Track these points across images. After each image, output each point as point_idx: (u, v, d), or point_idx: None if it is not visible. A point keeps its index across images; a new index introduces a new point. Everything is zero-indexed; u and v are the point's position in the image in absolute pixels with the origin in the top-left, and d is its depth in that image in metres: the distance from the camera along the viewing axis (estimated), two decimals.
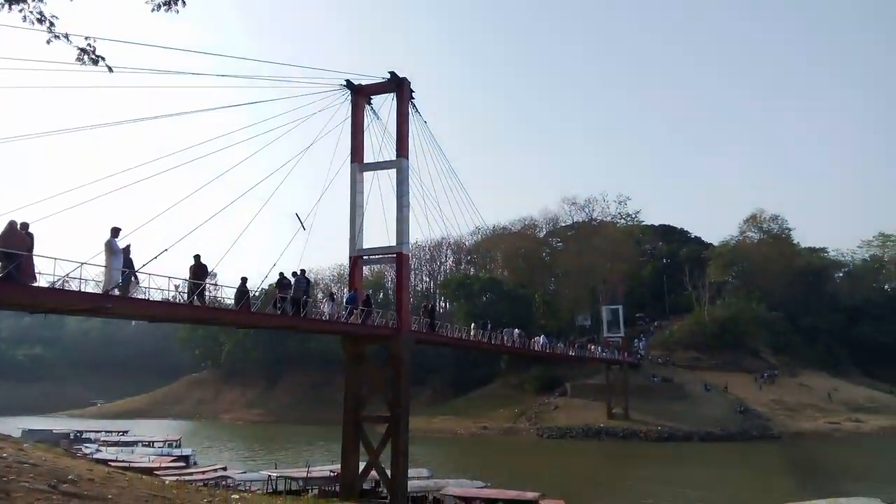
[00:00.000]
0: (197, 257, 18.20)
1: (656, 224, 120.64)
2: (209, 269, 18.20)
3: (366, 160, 27.40)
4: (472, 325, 44.07)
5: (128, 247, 15.15)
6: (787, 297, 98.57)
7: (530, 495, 26.41)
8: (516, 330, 48.67)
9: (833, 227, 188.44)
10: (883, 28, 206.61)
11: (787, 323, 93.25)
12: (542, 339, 56.74)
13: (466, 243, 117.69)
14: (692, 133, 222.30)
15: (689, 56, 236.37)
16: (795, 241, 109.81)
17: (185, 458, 40.56)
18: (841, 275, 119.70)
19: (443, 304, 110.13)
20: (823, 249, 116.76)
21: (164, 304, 16.08)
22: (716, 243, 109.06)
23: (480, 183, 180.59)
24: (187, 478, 27.99)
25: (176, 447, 46.74)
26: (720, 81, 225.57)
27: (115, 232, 15.22)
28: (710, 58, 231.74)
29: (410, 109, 27.41)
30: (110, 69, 10.36)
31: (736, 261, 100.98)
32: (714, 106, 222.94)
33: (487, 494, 27.73)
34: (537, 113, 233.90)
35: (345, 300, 25.40)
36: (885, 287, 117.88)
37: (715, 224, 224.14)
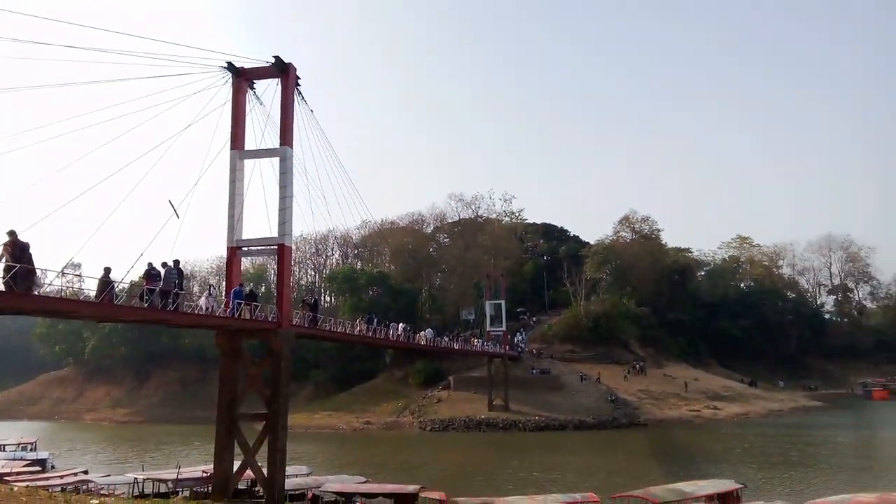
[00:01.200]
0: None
1: (538, 222, 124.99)
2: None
3: (247, 148, 26.36)
4: (360, 319, 43.66)
5: None
6: (656, 293, 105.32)
7: (411, 488, 26.46)
8: (401, 324, 48.78)
9: (698, 230, 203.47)
10: (758, 35, 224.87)
11: (654, 317, 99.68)
12: (428, 332, 57.40)
13: (353, 237, 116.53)
14: (575, 134, 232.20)
15: (576, 52, 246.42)
16: (664, 242, 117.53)
17: (41, 462, 37.49)
18: (703, 273, 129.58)
19: (329, 298, 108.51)
20: (688, 249, 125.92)
21: (12, 294, 14.61)
22: (593, 242, 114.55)
23: (369, 177, 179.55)
24: (43, 483, 25.83)
25: (31, 450, 42.98)
26: (605, 82, 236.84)
27: None
28: (596, 55, 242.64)
29: (296, 97, 26.63)
30: None
31: (610, 259, 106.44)
32: (597, 106, 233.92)
33: (367, 489, 27.51)
34: (428, 111, 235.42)
35: (233, 294, 24.24)
36: (742, 285, 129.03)
37: (592, 224, 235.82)
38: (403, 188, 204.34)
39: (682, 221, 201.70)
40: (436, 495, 25.61)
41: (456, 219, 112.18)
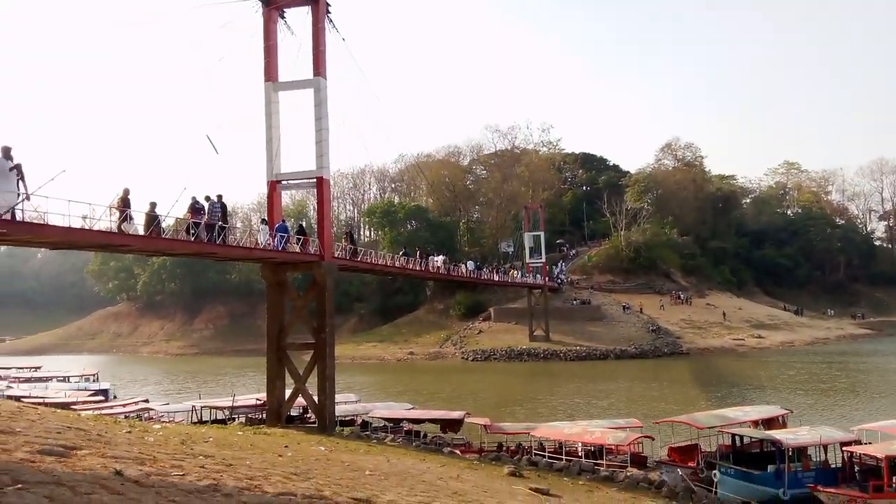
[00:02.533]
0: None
1: (577, 152, 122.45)
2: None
3: (281, 80, 26.01)
4: (402, 251, 44.00)
5: (18, 166, 13.83)
6: (698, 221, 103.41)
7: (456, 414, 27.08)
8: (441, 256, 49.02)
9: (744, 156, 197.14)
10: None
11: (696, 246, 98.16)
12: (469, 263, 57.81)
13: (390, 171, 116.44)
14: (612, 62, 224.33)
15: None
16: (707, 169, 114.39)
17: (103, 393, 39.24)
18: (748, 201, 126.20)
19: (368, 232, 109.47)
20: (732, 176, 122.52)
21: (64, 228, 14.94)
22: (633, 171, 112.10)
23: (404, 110, 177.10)
24: (107, 412, 27.13)
25: (94, 382, 45.10)
26: (636, 13, 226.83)
27: (6, 152, 13.88)
28: None
29: (328, 25, 25.98)
30: None
31: (651, 187, 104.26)
32: (632, 37, 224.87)
33: (415, 415, 28.28)
34: (463, 40, 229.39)
35: (277, 229, 24.50)
36: (788, 212, 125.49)
37: (633, 152, 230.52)
38: (439, 120, 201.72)
39: (727, 149, 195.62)
40: (481, 421, 26.17)
41: (493, 150, 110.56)
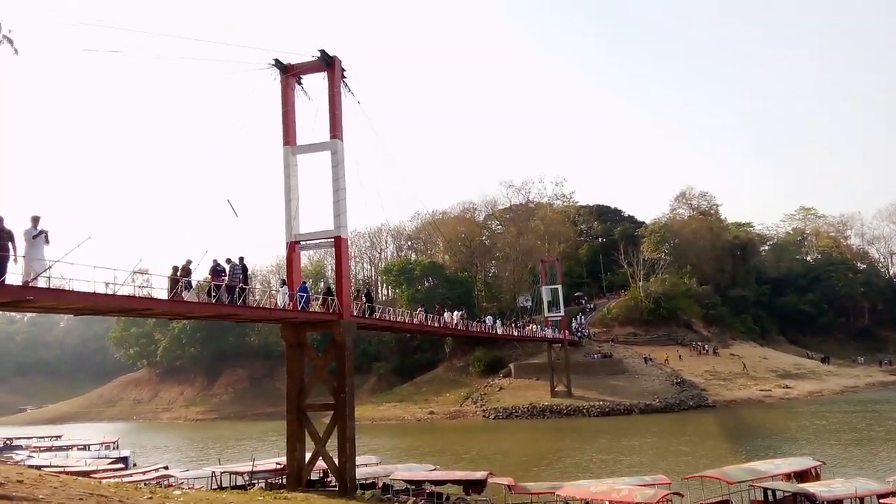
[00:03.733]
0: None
1: (591, 204, 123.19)
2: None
3: (299, 143, 26.74)
4: (420, 308, 44.08)
5: (45, 233, 14.29)
6: (717, 270, 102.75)
7: (479, 475, 26.54)
8: (457, 312, 49.04)
9: (758, 203, 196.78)
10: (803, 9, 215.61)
11: (716, 295, 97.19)
12: (489, 318, 57.80)
13: (406, 229, 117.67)
14: (623, 112, 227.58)
15: (611, 34, 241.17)
16: (723, 217, 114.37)
17: (123, 460, 39.03)
18: (766, 248, 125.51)
19: (385, 290, 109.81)
20: (749, 224, 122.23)
21: (90, 294, 15.26)
22: (648, 221, 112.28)
23: (419, 168, 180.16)
24: (127, 479, 26.95)
25: (114, 449, 44.93)
26: (642, 61, 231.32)
27: (35, 221, 14.41)
28: (631, 38, 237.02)
29: (343, 89, 26.84)
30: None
31: (667, 237, 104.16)
32: (641, 84, 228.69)
33: (437, 476, 27.74)
34: (474, 97, 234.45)
35: (299, 290, 24.89)
36: (808, 258, 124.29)
37: (647, 203, 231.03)
38: (453, 177, 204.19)
39: (741, 196, 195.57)
40: (504, 481, 25.61)
41: (507, 205, 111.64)
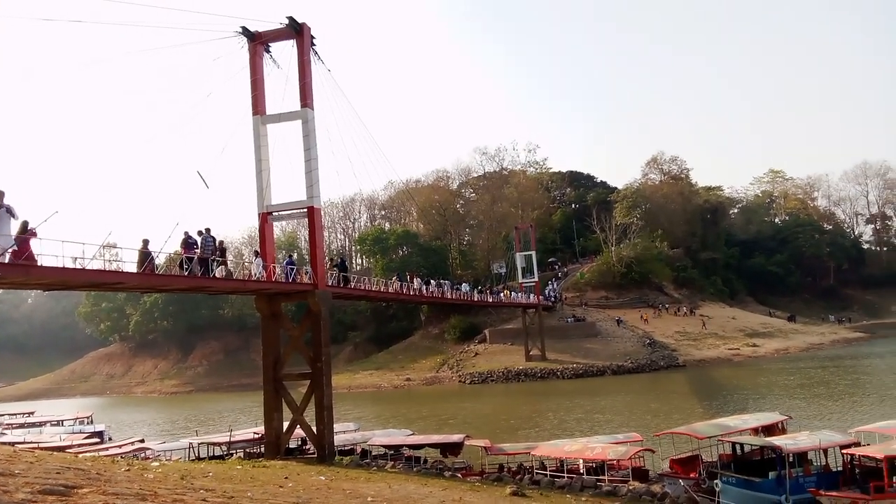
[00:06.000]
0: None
1: (564, 171, 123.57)
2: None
3: (269, 112, 26.33)
4: (394, 277, 44.16)
5: (9, 207, 13.96)
6: (688, 233, 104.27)
7: (456, 438, 27.00)
8: (444, 281, 49.51)
9: (729, 167, 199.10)
10: None
11: (687, 258, 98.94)
12: (464, 286, 58.13)
13: (380, 198, 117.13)
14: (596, 77, 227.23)
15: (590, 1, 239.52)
16: (694, 181, 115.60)
17: (98, 435, 38.79)
18: (736, 211, 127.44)
19: (360, 260, 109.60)
20: (719, 188, 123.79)
21: (59, 269, 15.00)
22: (621, 187, 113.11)
23: (392, 137, 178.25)
24: (103, 453, 26.86)
25: (88, 424, 44.60)
26: (618, 26, 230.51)
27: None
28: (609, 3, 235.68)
29: (313, 58, 26.39)
30: None
31: (639, 202, 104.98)
32: (613, 49, 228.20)
33: (414, 441, 28.15)
34: (446, 62, 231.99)
35: (286, 263, 25.05)
36: (776, 220, 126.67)
37: (620, 168, 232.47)
38: (427, 146, 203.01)
39: (711, 160, 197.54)
40: (481, 443, 26.09)
41: (481, 172, 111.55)
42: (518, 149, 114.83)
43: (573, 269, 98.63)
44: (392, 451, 27.53)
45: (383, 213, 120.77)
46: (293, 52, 26.14)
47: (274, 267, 24.34)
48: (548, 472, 22.78)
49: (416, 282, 43.61)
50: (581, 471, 23.04)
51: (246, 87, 25.99)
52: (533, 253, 78.27)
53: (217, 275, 21.26)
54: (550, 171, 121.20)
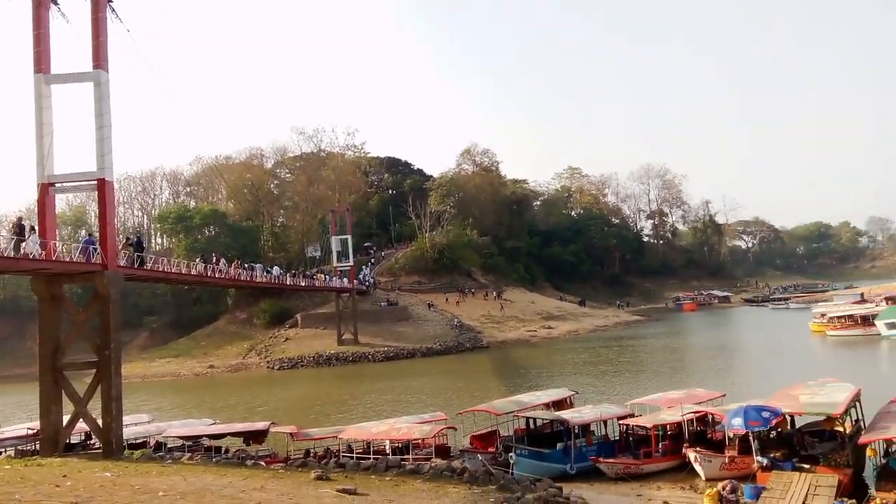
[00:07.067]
0: None
1: (383, 156, 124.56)
2: None
3: (55, 72, 23.36)
4: (199, 258, 41.64)
5: None
6: (496, 223, 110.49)
7: (260, 425, 26.24)
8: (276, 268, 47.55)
9: (534, 161, 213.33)
10: None
11: (494, 246, 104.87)
12: (276, 269, 56.31)
13: (185, 174, 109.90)
14: (415, 66, 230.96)
15: None
16: (503, 174, 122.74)
17: None
18: (539, 203, 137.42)
19: (160, 239, 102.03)
20: (525, 181, 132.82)
21: None
22: (436, 175, 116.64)
23: (201, 109, 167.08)
24: None
25: None
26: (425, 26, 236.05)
27: None
28: None
29: (110, 14, 23.82)
30: None
31: (453, 191, 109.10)
32: (434, 39, 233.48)
33: (215, 430, 26.90)
34: (266, 40, 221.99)
35: (84, 242, 22.29)
36: (573, 213, 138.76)
37: (436, 157, 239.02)
38: (241, 122, 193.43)
39: (518, 155, 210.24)
40: (287, 429, 25.61)
41: (298, 153, 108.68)
42: (337, 131, 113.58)
43: (388, 254, 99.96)
44: (191, 443, 26.07)
45: (189, 189, 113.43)
46: (87, 7, 23.42)
47: (55, 244, 21.73)
48: (354, 455, 22.94)
49: (223, 264, 41.46)
50: (387, 451, 23.53)
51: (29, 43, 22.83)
52: (349, 237, 77.94)
53: None
54: (369, 155, 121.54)
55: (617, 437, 23.78)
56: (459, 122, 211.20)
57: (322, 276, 71.45)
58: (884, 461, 17.33)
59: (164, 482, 15.41)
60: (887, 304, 63.45)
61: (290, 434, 24.93)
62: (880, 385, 27.43)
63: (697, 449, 20.37)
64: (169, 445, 26.03)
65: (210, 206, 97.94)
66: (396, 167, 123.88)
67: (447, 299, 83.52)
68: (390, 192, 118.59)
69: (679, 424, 21.80)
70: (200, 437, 26.26)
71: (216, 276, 39.74)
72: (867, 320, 56.69)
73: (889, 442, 17.39)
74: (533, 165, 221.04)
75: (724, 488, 16.47)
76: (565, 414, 24.20)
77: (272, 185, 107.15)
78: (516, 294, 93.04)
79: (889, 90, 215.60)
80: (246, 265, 48.25)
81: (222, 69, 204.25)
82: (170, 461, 20.93)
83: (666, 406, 23.86)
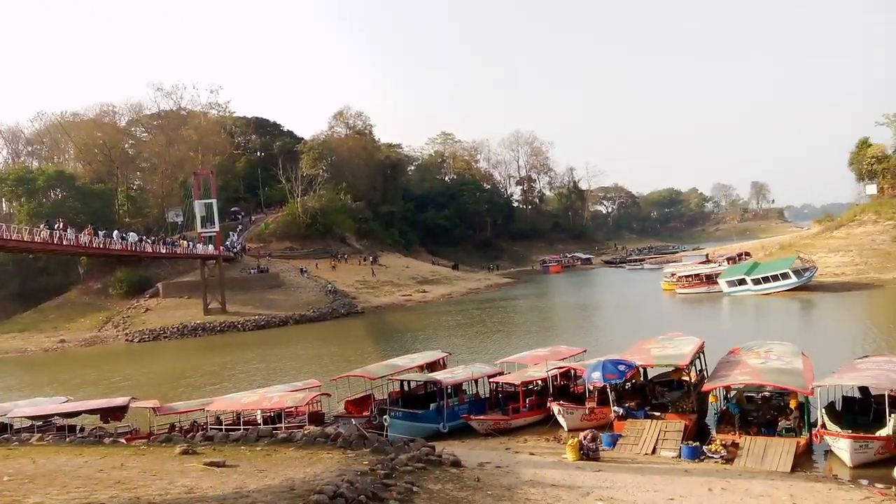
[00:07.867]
0: None
1: (250, 116, 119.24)
2: None
3: None
4: (44, 224, 38.06)
5: None
6: (370, 187, 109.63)
7: (119, 401, 24.65)
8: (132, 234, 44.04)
9: (409, 126, 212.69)
10: None
11: (368, 211, 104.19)
12: (132, 235, 52.70)
13: (26, 131, 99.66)
14: (287, 27, 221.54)
15: None
16: (377, 138, 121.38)
17: None
18: (413, 168, 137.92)
19: None
20: (399, 145, 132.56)
21: None
22: (308, 137, 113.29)
23: (41, 58, 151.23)
24: None
25: None
26: None
27: None
28: None
29: None
30: None
31: (325, 154, 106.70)
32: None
33: (68, 409, 24.99)
34: None
35: None
36: (446, 178, 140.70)
37: (308, 119, 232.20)
38: (91, 75, 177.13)
39: (394, 119, 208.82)
40: (149, 404, 24.35)
41: (155, 111, 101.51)
42: (199, 88, 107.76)
43: (258, 219, 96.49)
44: (41, 423, 24.12)
45: (30, 149, 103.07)
46: None
47: None
48: (223, 427, 22.21)
49: (70, 231, 38.20)
50: (259, 421, 22.98)
51: None
52: (214, 201, 74.15)
53: None
54: (234, 115, 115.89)
55: (487, 396, 24.65)
56: (332, 83, 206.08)
57: (185, 242, 67.76)
58: (724, 406, 19.15)
59: (10, 466, 14.13)
60: (728, 263, 69.85)
61: (153, 409, 23.71)
62: (721, 337, 30.42)
63: (560, 402, 21.54)
64: (16, 427, 23.91)
65: (55, 168, 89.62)
66: (265, 128, 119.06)
67: (320, 265, 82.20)
68: (258, 154, 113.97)
69: (545, 380, 22.90)
70: (52, 416, 24.34)
71: (63, 242, 36.57)
72: (711, 279, 62.22)
73: (728, 389, 19.21)
74: (405, 129, 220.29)
75: (584, 437, 17.60)
76: (438, 375, 24.71)
77: (127, 145, 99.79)
78: (391, 259, 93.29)
79: (725, 67, 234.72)
80: (100, 231, 44.79)
81: (67, 12, 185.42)
82: (17, 443, 19.20)
83: (532, 363, 24.94)
